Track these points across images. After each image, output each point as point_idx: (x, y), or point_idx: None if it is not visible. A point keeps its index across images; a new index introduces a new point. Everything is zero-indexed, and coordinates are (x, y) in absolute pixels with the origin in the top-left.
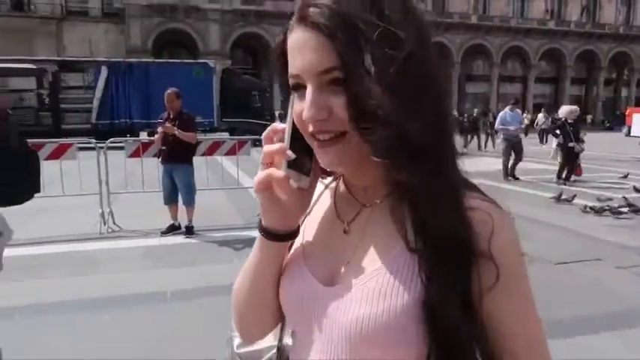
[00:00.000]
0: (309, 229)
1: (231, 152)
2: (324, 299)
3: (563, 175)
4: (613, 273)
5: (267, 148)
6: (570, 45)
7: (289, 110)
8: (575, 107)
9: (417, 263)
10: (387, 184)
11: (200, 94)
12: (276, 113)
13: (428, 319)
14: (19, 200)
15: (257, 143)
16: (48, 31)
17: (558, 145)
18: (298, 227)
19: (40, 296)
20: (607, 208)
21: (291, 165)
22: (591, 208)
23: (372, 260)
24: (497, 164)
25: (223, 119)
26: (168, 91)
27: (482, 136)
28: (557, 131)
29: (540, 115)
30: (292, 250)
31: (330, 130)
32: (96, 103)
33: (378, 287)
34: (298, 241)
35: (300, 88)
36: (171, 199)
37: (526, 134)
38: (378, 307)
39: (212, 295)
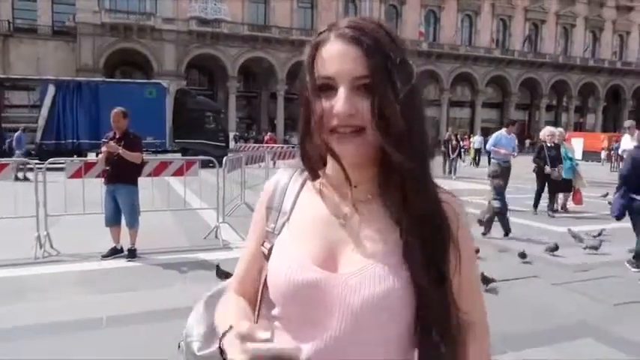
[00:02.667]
0: (298, 224)
1: (179, 173)
2: (330, 283)
3: (555, 207)
4: (547, 289)
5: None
6: (515, 72)
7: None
8: (556, 129)
9: (407, 247)
10: (377, 182)
11: (152, 114)
12: (231, 135)
13: (418, 294)
14: None
15: (210, 164)
16: None
17: (534, 171)
18: None
19: None
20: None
21: None
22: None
23: (372, 247)
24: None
25: (176, 140)
26: (115, 110)
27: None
28: (536, 153)
29: (477, 138)
30: (285, 242)
31: (353, 124)
32: (41, 122)
33: (379, 271)
34: (292, 232)
35: (328, 89)
36: (113, 221)
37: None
38: (385, 286)
39: (151, 320)
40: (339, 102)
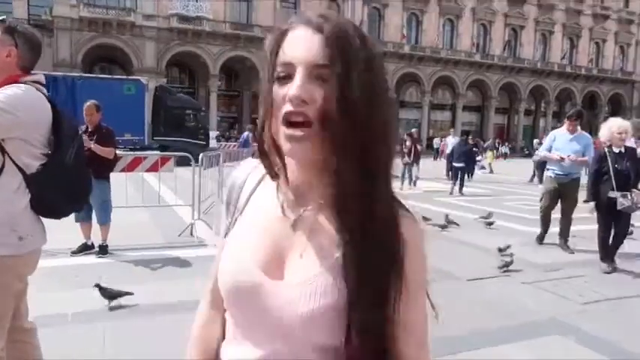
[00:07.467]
0: (249, 222)
1: (154, 169)
2: (269, 291)
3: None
4: (518, 288)
5: None
6: (494, 77)
7: None
8: (627, 124)
9: (345, 263)
10: (327, 186)
11: (131, 111)
12: (212, 134)
13: (353, 314)
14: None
15: (190, 163)
16: None
17: (589, 199)
18: None
19: None
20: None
21: None
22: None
23: (317, 259)
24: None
25: (155, 137)
26: (88, 103)
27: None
28: (592, 167)
29: (451, 139)
30: (235, 239)
31: (305, 113)
32: None
33: (320, 286)
34: (243, 230)
35: (285, 78)
36: (83, 217)
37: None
38: (323, 302)
39: (116, 318)
40: (293, 86)
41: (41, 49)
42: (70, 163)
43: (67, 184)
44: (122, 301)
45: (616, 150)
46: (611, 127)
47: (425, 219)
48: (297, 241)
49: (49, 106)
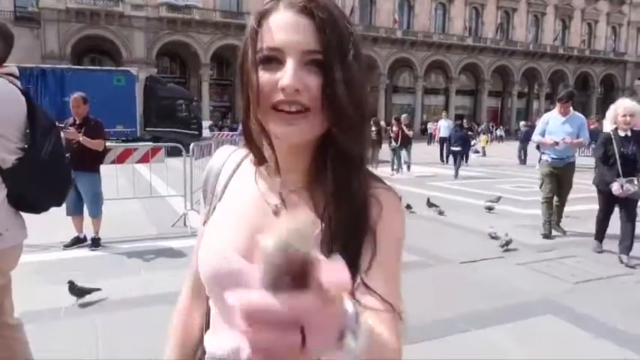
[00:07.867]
0: (227, 209)
1: (144, 160)
2: (249, 276)
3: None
4: (512, 269)
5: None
6: (487, 60)
7: None
8: (635, 107)
9: (324, 239)
10: (310, 171)
11: (121, 102)
12: (204, 124)
13: None
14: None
15: (181, 153)
16: None
17: (595, 182)
18: None
19: None
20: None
21: None
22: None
23: None
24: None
25: (147, 128)
26: (74, 95)
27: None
28: (598, 151)
29: (444, 122)
30: (214, 227)
31: (299, 102)
32: None
33: None
34: (221, 216)
35: (272, 61)
36: (74, 210)
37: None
38: None
39: (109, 310)
40: (286, 75)
41: (13, 41)
42: (46, 157)
43: (44, 178)
44: (115, 293)
45: (622, 134)
46: (617, 109)
47: (407, 207)
48: (278, 225)
49: (23, 99)
